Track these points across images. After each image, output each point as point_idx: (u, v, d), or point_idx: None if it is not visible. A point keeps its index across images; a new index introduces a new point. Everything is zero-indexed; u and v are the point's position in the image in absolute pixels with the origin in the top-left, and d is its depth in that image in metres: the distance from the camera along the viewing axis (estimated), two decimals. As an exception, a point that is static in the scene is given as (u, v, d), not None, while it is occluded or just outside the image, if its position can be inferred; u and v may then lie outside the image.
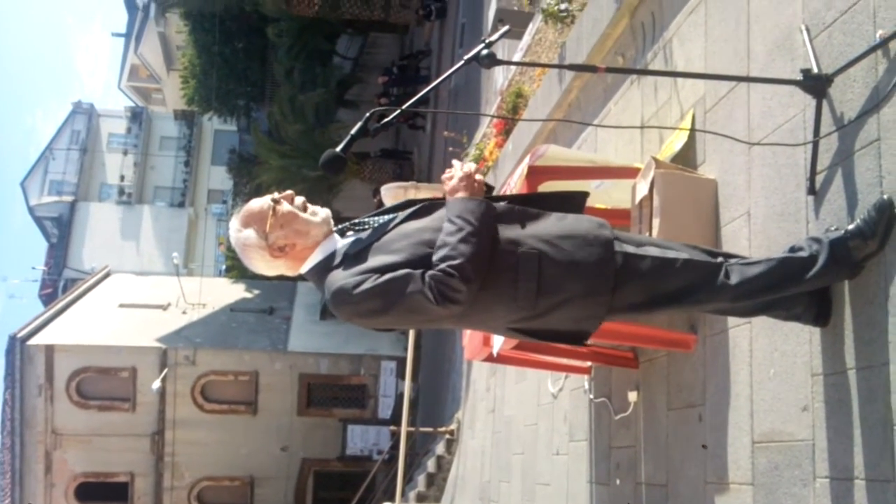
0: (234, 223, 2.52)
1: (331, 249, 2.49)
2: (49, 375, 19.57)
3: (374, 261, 2.36)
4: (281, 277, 2.66)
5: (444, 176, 2.50)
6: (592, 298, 2.45)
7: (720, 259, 2.60)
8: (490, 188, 2.57)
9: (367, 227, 2.54)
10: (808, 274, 2.52)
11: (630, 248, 2.53)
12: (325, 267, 2.47)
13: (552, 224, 2.49)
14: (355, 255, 2.42)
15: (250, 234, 2.48)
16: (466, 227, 2.33)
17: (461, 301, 2.29)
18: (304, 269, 2.53)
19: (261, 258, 2.52)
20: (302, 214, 2.50)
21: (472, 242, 2.31)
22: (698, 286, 2.54)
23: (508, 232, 2.43)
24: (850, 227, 2.54)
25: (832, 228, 2.68)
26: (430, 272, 2.29)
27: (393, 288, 2.31)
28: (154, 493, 20.39)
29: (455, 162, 2.54)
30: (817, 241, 2.57)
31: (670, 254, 2.55)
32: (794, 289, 2.61)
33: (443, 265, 2.28)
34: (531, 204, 2.54)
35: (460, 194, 2.42)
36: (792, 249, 2.60)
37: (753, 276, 2.55)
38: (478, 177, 2.49)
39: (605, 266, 2.44)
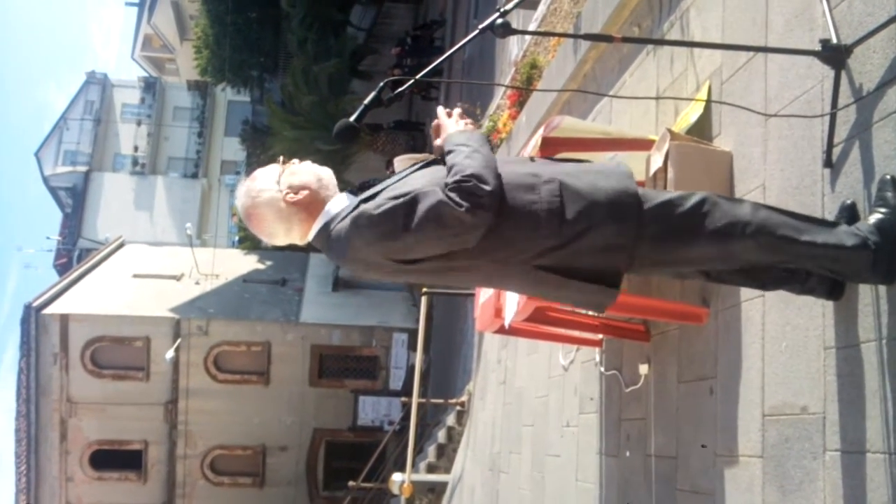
0: (243, 182, 2.50)
1: (341, 206, 2.45)
2: (64, 344, 19.75)
3: (393, 192, 2.33)
4: (293, 248, 2.65)
5: (434, 125, 2.54)
6: (619, 224, 2.37)
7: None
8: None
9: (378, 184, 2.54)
10: (839, 247, 2.45)
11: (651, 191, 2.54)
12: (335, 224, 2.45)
13: (572, 164, 2.53)
14: (368, 197, 2.38)
15: (262, 181, 2.47)
16: (465, 148, 2.34)
17: (487, 205, 2.22)
18: (314, 230, 2.48)
19: (272, 208, 2.46)
20: (311, 164, 2.53)
21: (476, 157, 2.31)
22: (723, 213, 2.44)
23: (527, 168, 2.44)
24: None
25: (847, 202, 2.66)
26: (448, 186, 2.25)
27: (417, 202, 2.25)
28: (167, 460, 20.63)
29: (439, 109, 2.56)
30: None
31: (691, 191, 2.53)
32: (815, 250, 2.48)
33: (456, 177, 2.25)
34: None
35: (454, 127, 2.49)
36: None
37: (790, 222, 2.47)
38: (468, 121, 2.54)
39: (628, 193, 2.40)
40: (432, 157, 2.56)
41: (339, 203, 2.46)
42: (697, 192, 2.48)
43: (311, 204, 2.46)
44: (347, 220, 2.35)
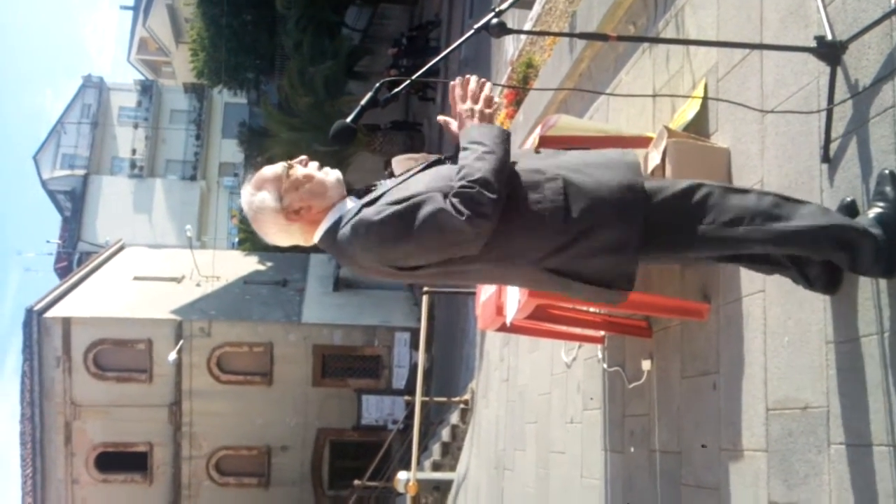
0: (247, 188, 2.45)
1: (344, 210, 2.41)
2: (66, 347, 19.78)
3: (394, 196, 2.28)
4: (294, 248, 2.61)
5: (457, 92, 2.43)
6: (626, 224, 2.35)
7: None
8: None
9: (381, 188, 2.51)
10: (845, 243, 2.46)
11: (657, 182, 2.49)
12: (338, 229, 2.40)
13: (576, 155, 2.48)
14: (372, 200, 2.34)
15: (265, 196, 2.41)
16: (480, 147, 2.27)
17: (489, 214, 2.18)
18: (318, 234, 2.45)
19: (275, 223, 2.44)
20: (317, 174, 2.44)
21: (488, 158, 2.24)
22: (730, 206, 2.43)
23: (532, 163, 2.39)
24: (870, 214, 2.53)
25: (847, 200, 2.68)
26: (453, 190, 2.21)
27: (417, 208, 2.21)
28: (173, 462, 20.67)
29: (472, 78, 2.44)
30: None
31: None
32: (824, 245, 2.50)
33: (462, 181, 2.20)
34: None
35: (472, 122, 2.38)
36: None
37: (793, 217, 2.44)
38: (492, 104, 2.43)
39: (634, 188, 2.36)
40: (434, 157, 2.51)
41: (345, 206, 2.43)
42: (705, 184, 2.46)
43: (316, 213, 2.44)
44: (348, 227, 2.32)
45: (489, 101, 2.42)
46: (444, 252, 2.27)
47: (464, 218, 2.16)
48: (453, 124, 2.48)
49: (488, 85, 2.44)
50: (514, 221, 2.29)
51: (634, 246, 2.37)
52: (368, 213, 2.28)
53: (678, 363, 4.06)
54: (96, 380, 20.09)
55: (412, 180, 2.36)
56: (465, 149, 2.31)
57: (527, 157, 2.44)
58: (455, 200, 2.17)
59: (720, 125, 3.81)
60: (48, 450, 20.14)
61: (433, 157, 2.51)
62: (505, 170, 2.26)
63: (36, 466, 19.98)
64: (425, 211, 2.20)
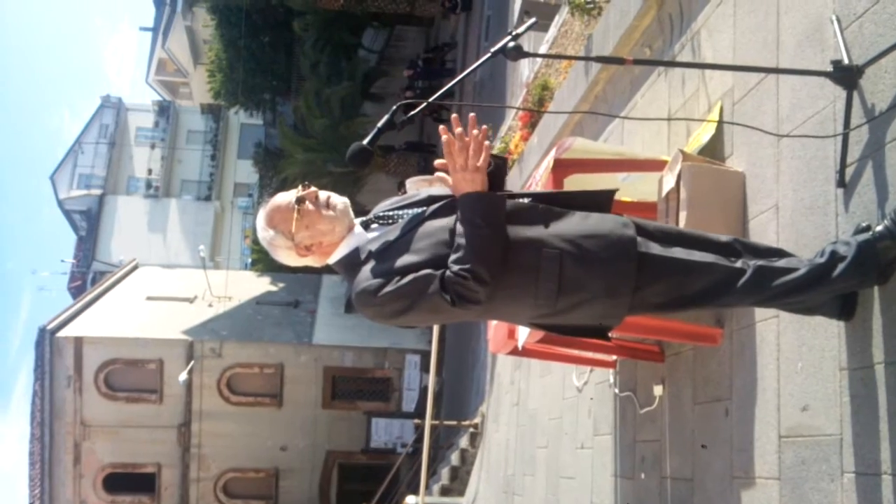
0: (261, 221, 2.54)
1: (356, 244, 2.51)
2: (78, 367, 19.79)
3: (398, 261, 2.38)
4: (306, 269, 2.67)
5: (437, 162, 2.42)
6: (613, 299, 2.45)
7: (740, 264, 2.52)
8: (503, 160, 2.54)
9: (391, 221, 2.54)
10: (833, 279, 2.47)
11: (655, 250, 2.49)
12: (352, 261, 2.49)
13: (576, 223, 2.47)
14: (380, 252, 2.43)
15: (276, 235, 2.52)
16: (475, 229, 2.32)
17: (479, 300, 2.32)
18: (332, 260, 2.57)
19: (288, 256, 2.57)
20: (325, 213, 2.50)
21: (481, 244, 2.31)
22: (720, 290, 2.51)
23: (531, 231, 2.42)
24: (878, 227, 2.49)
25: (863, 225, 2.64)
26: (447, 274, 2.31)
27: (414, 290, 2.33)
28: (181, 484, 20.60)
29: (444, 138, 2.37)
30: (846, 244, 2.50)
31: (695, 256, 2.51)
32: (820, 292, 2.56)
33: (456, 268, 2.30)
34: (557, 203, 2.52)
35: (466, 188, 2.37)
36: (821, 254, 2.53)
37: (778, 283, 2.50)
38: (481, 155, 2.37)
39: (627, 266, 2.43)
40: (451, 197, 2.49)
41: (354, 237, 2.54)
42: (706, 259, 2.51)
43: (327, 247, 2.55)
44: (357, 287, 2.43)
45: (479, 153, 2.36)
46: (440, 322, 2.52)
47: (454, 306, 2.32)
48: (448, 179, 2.44)
49: (477, 135, 2.36)
50: (510, 290, 2.41)
51: (620, 315, 2.52)
52: (372, 284, 2.39)
53: (690, 389, 4.02)
54: (107, 400, 20.09)
55: (419, 236, 2.41)
56: (461, 222, 2.35)
57: (527, 227, 2.43)
58: (448, 285, 2.30)
59: (735, 149, 3.80)
60: (56, 470, 20.11)
61: (434, 188, 2.50)
62: (497, 251, 2.33)
63: (44, 487, 19.93)
64: (421, 292, 2.33)
